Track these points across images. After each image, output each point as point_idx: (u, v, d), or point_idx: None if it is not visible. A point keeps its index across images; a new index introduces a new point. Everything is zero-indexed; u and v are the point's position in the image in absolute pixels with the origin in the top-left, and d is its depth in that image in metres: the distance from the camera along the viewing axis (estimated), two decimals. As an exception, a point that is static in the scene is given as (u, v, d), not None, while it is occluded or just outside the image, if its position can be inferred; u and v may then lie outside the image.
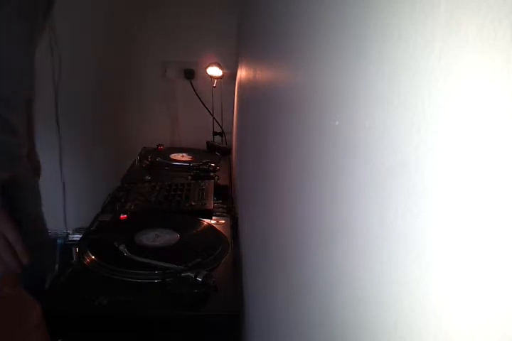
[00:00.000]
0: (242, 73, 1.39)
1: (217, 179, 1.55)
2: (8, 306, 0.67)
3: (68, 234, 1.99)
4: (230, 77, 1.83)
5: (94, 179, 2.01)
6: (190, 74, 1.90)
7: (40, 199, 1.24)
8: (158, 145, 1.86)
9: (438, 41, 0.18)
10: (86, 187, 2.03)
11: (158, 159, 1.71)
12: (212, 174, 1.58)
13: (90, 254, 0.96)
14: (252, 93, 0.99)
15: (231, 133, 1.96)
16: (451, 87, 0.17)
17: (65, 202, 2.02)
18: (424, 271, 0.19)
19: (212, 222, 1.20)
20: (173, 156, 1.77)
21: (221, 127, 1.97)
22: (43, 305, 0.69)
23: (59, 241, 1.93)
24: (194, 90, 1.91)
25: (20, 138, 1.00)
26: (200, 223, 1.17)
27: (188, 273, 0.84)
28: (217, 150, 1.88)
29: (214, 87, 1.87)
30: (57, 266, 1.43)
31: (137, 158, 1.72)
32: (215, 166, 1.63)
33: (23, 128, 1.00)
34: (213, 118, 1.94)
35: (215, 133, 1.97)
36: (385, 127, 0.23)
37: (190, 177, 1.55)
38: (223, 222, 1.20)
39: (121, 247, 0.95)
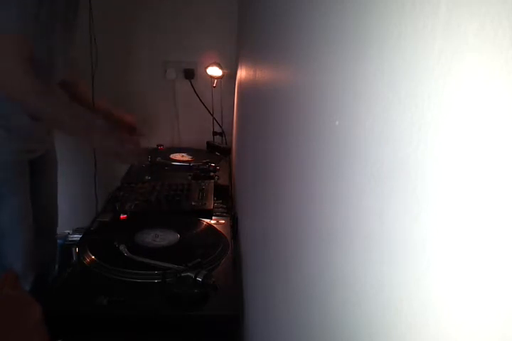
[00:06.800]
0: (242, 73, 1.39)
1: (217, 179, 1.55)
2: (8, 306, 0.67)
3: (68, 234, 1.98)
4: (230, 77, 1.83)
5: (94, 178, 2.00)
6: (190, 74, 1.90)
7: (57, 184, 1.39)
8: (158, 145, 1.86)
9: (438, 41, 0.18)
10: (86, 186, 2.02)
11: (158, 159, 1.71)
12: (212, 174, 1.58)
13: (90, 254, 0.96)
14: (252, 93, 0.99)
15: (231, 133, 1.96)
16: (451, 87, 0.17)
17: (65, 202, 2.02)
18: (424, 271, 0.19)
19: (212, 222, 1.20)
20: (173, 156, 1.77)
21: (221, 127, 1.97)
22: (43, 305, 0.69)
23: (59, 241, 1.93)
24: (194, 90, 1.91)
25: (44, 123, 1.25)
26: (200, 223, 1.17)
27: (188, 273, 0.83)
28: (217, 150, 1.88)
29: (214, 87, 1.87)
30: (57, 266, 1.43)
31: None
32: (215, 166, 1.63)
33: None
34: (213, 118, 1.94)
35: (215, 133, 1.97)
36: (385, 127, 0.23)
37: (190, 177, 1.55)
38: (223, 222, 1.20)
39: (121, 247, 0.95)
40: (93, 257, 0.95)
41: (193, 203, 1.28)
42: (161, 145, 1.86)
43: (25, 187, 1.23)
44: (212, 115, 1.93)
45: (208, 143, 1.92)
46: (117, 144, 1.21)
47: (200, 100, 1.91)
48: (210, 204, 1.28)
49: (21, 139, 1.21)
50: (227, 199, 1.40)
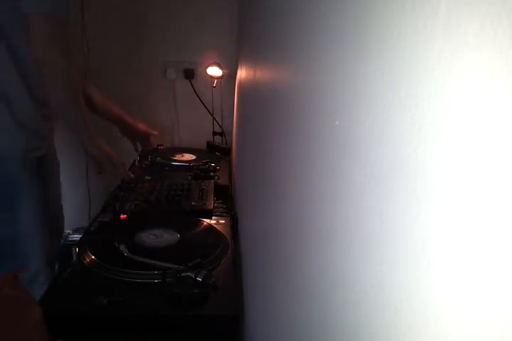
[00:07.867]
0: (242, 73, 1.39)
1: (217, 179, 1.55)
2: (8, 306, 0.67)
3: (68, 234, 1.98)
4: (230, 77, 1.83)
5: (94, 179, 2.01)
6: (190, 74, 1.90)
7: (60, 184, 1.39)
8: (158, 145, 1.86)
9: (438, 41, 0.18)
10: (86, 186, 2.03)
11: (158, 159, 1.71)
12: (212, 174, 1.58)
13: (90, 254, 0.96)
14: (252, 93, 0.99)
15: (231, 133, 1.96)
16: (451, 87, 0.17)
17: (65, 202, 2.02)
18: (424, 271, 0.19)
19: (212, 222, 1.20)
20: (173, 156, 1.77)
21: (221, 127, 1.97)
22: (43, 305, 0.69)
23: (59, 241, 1.93)
24: (194, 90, 1.91)
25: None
26: (200, 223, 1.17)
27: (188, 273, 0.83)
28: (217, 150, 1.88)
29: (214, 86, 1.87)
30: (57, 266, 1.43)
31: (137, 158, 1.72)
32: (215, 166, 1.63)
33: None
34: (213, 118, 1.94)
35: (215, 133, 1.97)
36: (385, 127, 0.23)
37: (190, 177, 1.55)
38: (223, 222, 1.20)
39: (121, 247, 0.95)
40: (93, 257, 0.95)
41: (193, 203, 1.28)
42: (161, 145, 1.86)
43: (37, 186, 1.24)
44: (212, 115, 1.93)
45: (208, 143, 1.92)
46: (105, 158, 1.26)
47: (200, 100, 1.91)
48: (210, 204, 1.28)
49: (33, 136, 1.22)
50: (227, 199, 1.40)
